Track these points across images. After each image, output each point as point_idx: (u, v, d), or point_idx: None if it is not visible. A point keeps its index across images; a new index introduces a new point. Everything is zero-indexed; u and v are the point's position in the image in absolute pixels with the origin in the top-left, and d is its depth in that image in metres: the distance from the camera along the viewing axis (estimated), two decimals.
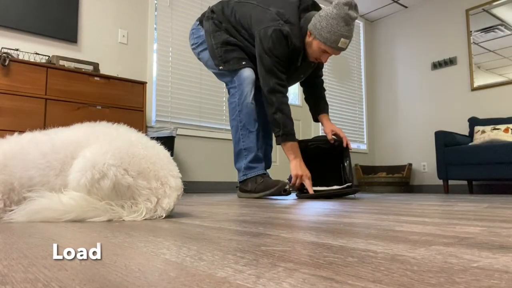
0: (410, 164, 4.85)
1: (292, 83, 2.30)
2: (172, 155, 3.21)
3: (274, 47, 1.97)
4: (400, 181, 4.69)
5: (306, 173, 1.98)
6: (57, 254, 0.40)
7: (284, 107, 1.99)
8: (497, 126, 3.82)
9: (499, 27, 4.34)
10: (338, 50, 2.03)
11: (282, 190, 1.94)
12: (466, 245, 0.46)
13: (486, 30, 4.44)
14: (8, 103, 2.34)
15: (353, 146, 5.20)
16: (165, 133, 3.04)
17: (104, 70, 3.20)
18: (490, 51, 4.40)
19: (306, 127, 4.67)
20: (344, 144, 2.11)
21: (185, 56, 3.67)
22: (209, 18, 2.20)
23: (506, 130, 3.72)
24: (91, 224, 0.72)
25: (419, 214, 0.95)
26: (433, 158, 4.84)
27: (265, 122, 2.25)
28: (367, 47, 5.61)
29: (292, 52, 2.03)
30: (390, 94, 5.36)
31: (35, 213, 0.73)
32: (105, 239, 0.53)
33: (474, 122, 4.15)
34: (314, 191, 1.96)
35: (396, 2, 5.08)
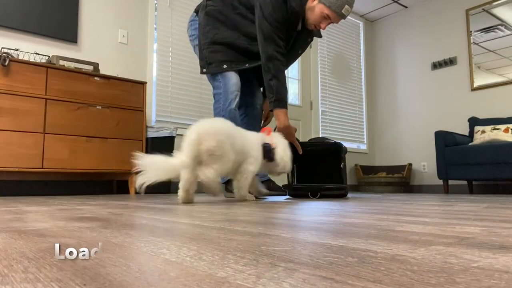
0: (410, 164, 4.85)
1: (291, 60, 2.34)
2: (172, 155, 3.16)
3: (274, 11, 2.01)
4: (400, 181, 4.69)
5: (291, 132, 2.06)
6: (59, 254, 0.40)
7: (280, 74, 2.04)
8: (497, 126, 3.82)
9: (499, 27, 4.34)
10: (341, 16, 2.05)
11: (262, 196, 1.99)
12: (466, 245, 0.46)
13: (486, 30, 4.44)
14: (8, 103, 2.34)
15: (353, 146, 5.22)
16: (165, 133, 3.04)
17: (104, 70, 3.20)
18: (490, 51, 4.40)
19: (306, 127, 4.67)
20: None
21: (185, 56, 3.67)
22: (204, 7, 2.22)
23: (506, 130, 3.72)
24: (91, 224, 0.72)
25: (419, 214, 0.95)
26: (433, 158, 4.84)
27: (254, 123, 2.35)
28: (367, 47, 5.61)
29: (291, 16, 2.06)
30: (390, 94, 5.36)
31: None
32: (105, 239, 0.53)
33: (474, 122, 4.15)
34: (305, 186, 2.03)
35: (396, 2, 5.08)
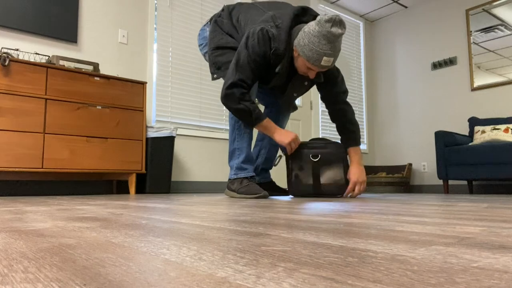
0: (410, 164, 4.86)
1: (286, 104, 2.27)
2: (172, 155, 3.25)
3: (258, 44, 1.96)
4: (400, 181, 4.69)
5: (293, 137, 2.01)
6: (59, 254, 0.40)
7: (245, 97, 1.97)
8: (497, 126, 3.82)
9: (499, 27, 4.34)
10: (322, 68, 1.95)
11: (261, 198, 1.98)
12: (466, 245, 0.46)
13: (486, 30, 4.44)
14: (8, 103, 2.35)
15: None
16: (165, 133, 3.04)
17: (104, 70, 3.20)
18: (490, 51, 4.39)
19: (306, 127, 4.66)
20: (346, 194, 2.08)
21: (185, 56, 3.67)
22: (216, 16, 2.27)
23: (506, 130, 3.72)
24: (91, 224, 0.72)
25: (419, 214, 0.95)
26: (433, 158, 4.84)
27: (276, 123, 2.35)
28: (367, 47, 5.61)
29: (273, 55, 2.00)
30: (390, 94, 5.36)
31: None
32: (105, 239, 0.53)
33: (474, 122, 4.15)
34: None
35: (396, 2, 5.08)
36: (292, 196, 2.21)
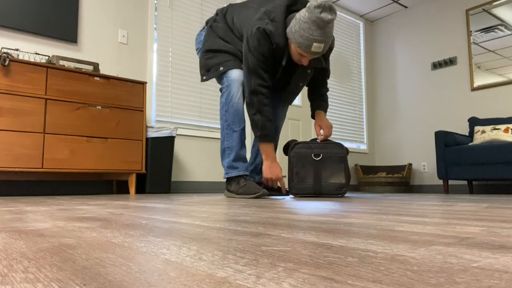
0: (410, 164, 4.86)
1: (292, 94, 2.31)
2: (172, 155, 3.25)
3: (259, 45, 2.00)
4: (400, 181, 4.69)
5: (276, 174, 2.07)
6: (59, 254, 0.40)
7: (264, 108, 2.02)
8: (497, 126, 3.82)
9: (499, 27, 4.34)
10: (313, 54, 1.97)
11: (260, 198, 2.00)
12: (466, 245, 0.46)
13: (486, 30, 4.44)
14: (8, 103, 2.35)
15: (353, 146, 5.22)
16: (165, 133, 3.04)
17: (104, 70, 3.21)
18: (490, 51, 4.40)
19: (306, 127, 4.66)
20: (319, 138, 2.18)
21: (185, 56, 3.67)
22: (211, 21, 2.30)
23: (506, 130, 3.72)
24: (91, 224, 0.72)
25: (419, 214, 0.95)
26: (433, 158, 4.85)
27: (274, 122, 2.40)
28: (367, 47, 5.61)
29: (276, 50, 2.04)
30: (390, 94, 5.36)
31: None
32: (105, 239, 0.53)
33: (474, 122, 4.15)
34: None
35: (396, 2, 5.08)
36: (292, 196, 2.21)
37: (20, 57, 2.74)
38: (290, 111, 4.48)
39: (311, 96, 2.35)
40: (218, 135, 3.80)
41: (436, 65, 4.85)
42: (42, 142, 2.46)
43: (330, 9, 1.87)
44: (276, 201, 1.69)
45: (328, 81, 4.98)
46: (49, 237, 0.55)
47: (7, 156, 2.32)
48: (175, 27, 3.64)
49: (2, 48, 2.54)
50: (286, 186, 3.31)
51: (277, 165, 2.10)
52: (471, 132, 4.13)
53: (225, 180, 2.26)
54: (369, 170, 5.12)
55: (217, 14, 2.29)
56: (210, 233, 0.58)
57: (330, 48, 2.25)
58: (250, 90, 2.03)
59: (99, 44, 3.20)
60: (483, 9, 4.48)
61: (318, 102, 2.31)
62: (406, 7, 5.21)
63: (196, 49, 2.41)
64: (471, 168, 3.63)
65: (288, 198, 1.96)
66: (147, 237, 0.55)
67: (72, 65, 2.68)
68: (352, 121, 5.26)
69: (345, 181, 2.11)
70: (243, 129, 2.17)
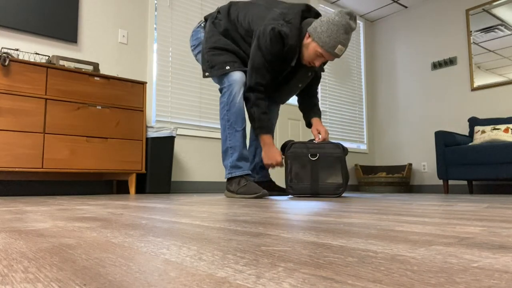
0: (410, 164, 4.86)
1: (291, 93, 2.34)
2: (172, 155, 3.25)
3: (271, 45, 2.03)
4: (400, 181, 4.69)
5: (275, 159, 2.10)
6: (59, 254, 0.40)
7: (259, 102, 2.09)
8: (497, 126, 3.82)
9: (499, 27, 4.34)
10: (334, 56, 2.07)
11: (261, 198, 2.01)
12: (466, 245, 0.46)
13: (486, 30, 4.44)
14: (8, 103, 2.35)
15: (353, 146, 5.22)
16: (165, 133, 3.04)
17: (104, 70, 3.21)
18: (490, 51, 4.40)
19: (306, 127, 4.66)
20: (317, 140, 2.23)
21: (185, 56, 3.67)
22: (212, 18, 2.29)
23: (506, 130, 3.72)
24: (91, 224, 0.72)
25: (419, 214, 0.95)
26: (433, 158, 4.85)
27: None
28: (367, 47, 5.61)
29: (287, 52, 2.08)
30: (390, 94, 5.36)
31: None
32: (105, 239, 0.53)
33: (474, 122, 4.15)
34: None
35: (396, 2, 5.08)
36: (290, 196, 2.22)
37: (20, 57, 2.75)
38: (290, 111, 4.48)
39: (304, 106, 2.40)
40: (218, 135, 3.80)
41: (436, 65, 4.85)
42: (42, 142, 2.46)
43: (355, 20, 2.05)
44: (276, 201, 1.69)
45: (328, 81, 4.98)
46: (49, 237, 0.55)
47: (7, 156, 2.32)
48: (175, 27, 3.64)
49: (2, 48, 2.54)
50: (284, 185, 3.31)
51: (275, 150, 2.11)
52: (471, 132, 4.13)
53: (225, 180, 2.26)
54: (369, 170, 5.12)
55: (219, 11, 2.29)
56: (210, 233, 0.58)
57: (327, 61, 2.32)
58: (249, 86, 2.09)
59: (99, 44, 3.20)
60: (483, 9, 4.48)
61: (313, 111, 2.38)
62: (406, 7, 5.21)
63: (192, 46, 2.38)
64: (471, 168, 3.63)
65: (287, 198, 1.96)
66: (147, 237, 0.55)
67: (72, 65, 2.68)
68: (352, 121, 5.26)
69: (342, 181, 2.11)
70: (245, 129, 2.18)
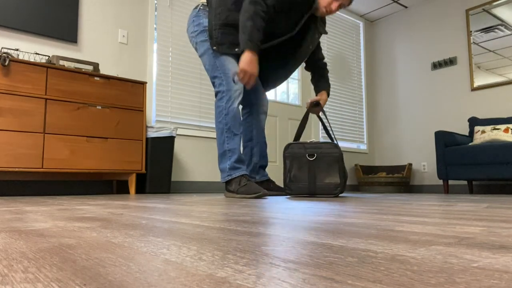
0: (410, 164, 4.86)
1: (303, 56, 2.38)
2: (172, 155, 3.25)
3: None
4: (400, 181, 4.69)
5: (253, 69, 2.04)
6: (59, 254, 0.40)
7: (256, 18, 2.02)
8: (497, 126, 3.82)
9: (499, 27, 4.34)
10: None
11: (261, 198, 2.00)
12: (466, 245, 0.46)
13: (486, 30, 4.44)
14: (8, 103, 2.35)
15: (353, 146, 5.22)
16: (165, 133, 3.04)
17: (104, 70, 3.21)
18: (490, 51, 4.40)
19: (306, 127, 4.67)
20: (309, 100, 2.34)
21: (185, 56, 3.67)
22: None
23: (506, 130, 3.72)
24: (91, 224, 0.72)
25: (419, 214, 0.95)
26: (433, 158, 4.85)
27: (258, 122, 2.43)
28: (367, 47, 5.61)
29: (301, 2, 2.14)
30: (390, 94, 5.36)
31: None
32: (105, 239, 0.53)
33: (474, 122, 4.15)
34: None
35: (396, 2, 5.08)
36: (288, 196, 2.22)
37: (20, 57, 2.75)
38: (290, 111, 4.48)
39: (314, 79, 2.51)
40: None
41: (436, 65, 4.85)
42: (42, 142, 2.46)
43: None
44: (276, 201, 1.69)
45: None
46: (49, 237, 0.55)
47: (7, 156, 2.32)
48: (175, 27, 3.64)
49: (2, 48, 2.54)
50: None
51: (256, 63, 2.05)
52: (471, 132, 4.13)
53: (222, 182, 2.25)
54: (369, 170, 5.12)
55: None
56: (210, 233, 0.58)
57: (324, 22, 2.39)
58: (250, 0, 2.04)
59: (99, 44, 3.20)
60: (483, 9, 4.48)
61: (322, 84, 2.47)
62: (406, 7, 5.21)
63: (193, 32, 2.31)
64: (471, 168, 3.62)
65: (285, 198, 1.96)
66: (147, 237, 0.55)
67: (72, 65, 2.68)
68: (352, 121, 5.26)
69: (340, 180, 2.11)
70: (242, 134, 2.23)
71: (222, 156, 2.16)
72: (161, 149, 3.04)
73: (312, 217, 0.85)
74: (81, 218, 0.85)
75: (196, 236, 0.56)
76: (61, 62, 2.64)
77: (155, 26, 3.52)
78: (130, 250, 0.44)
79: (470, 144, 3.84)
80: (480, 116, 4.43)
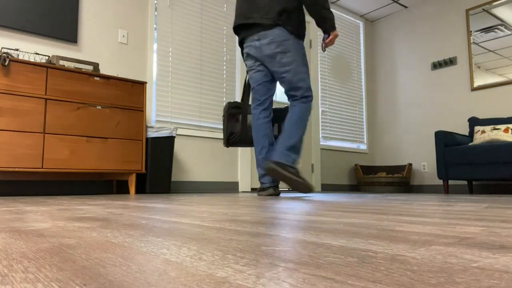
0: (410, 164, 4.86)
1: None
2: (172, 155, 3.27)
3: None
4: (400, 181, 4.69)
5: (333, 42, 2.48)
6: (59, 254, 0.40)
7: (331, 12, 2.42)
8: (497, 126, 3.82)
9: (499, 27, 4.34)
10: None
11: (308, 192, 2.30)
12: (466, 245, 0.46)
13: (486, 30, 4.44)
14: (8, 103, 2.35)
15: (353, 146, 5.22)
16: (165, 133, 3.04)
17: (104, 70, 3.21)
18: (490, 51, 4.39)
19: (306, 128, 4.66)
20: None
21: (185, 56, 3.67)
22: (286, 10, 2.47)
23: (506, 130, 3.72)
24: (91, 224, 0.72)
25: (419, 214, 0.95)
26: (433, 158, 4.85)
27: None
28: (367, 47, 5.61)
29: None
30: (390, 94, 5.36)
31: None
32: (105, 239, 0.53)
33: (474, 122, 4.15)
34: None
35: (396, 2, 5.08)
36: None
37: (20, 57, 2.75)
38: None
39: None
40: (218, 135, 3.80)
41: (436, 65, 4.85)
42: (42, 142, 2.46)
43: None
44: (276, 201, 1.69)
45: (328, 80, 4.98)
46: (49, 237, 0.55)
47: (7, 156, 2.32)
48: (175, 27, 3.64)
49: (2, 48, 2.54)
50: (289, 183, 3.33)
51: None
52: (471, 132, 4.13)
53: (277, 161, 2.32)
54: (369, 170, 5.12)
55: (281, 13, 2.42)
56: (210, 233, 0.58)
57: None
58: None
59: (99, 44, 3.20)
60: (483, 9, 4.48)
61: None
62: (406, 7, 5.21)
63: (279, 53, 2.43)
64: (471, 168, 3.62)
65: (285, 198, 1.96)
66: (147, 237, 0.55)
67: (72, 65, 2.68)
68: (352, 121, 5.26)
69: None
70: None
71: (295, 147, 2.34)
72: (161, 149, 3.04)
73: (312, 217, 0.85)
74: (81, 218, 0.85)
75: (196, 236, 0.56)
76: (61, 62, 2.64)
77: (155, 26, 3.52)
78: (130, 250, 0.44)
79: (470, 144, 3.84)
80: (480, 116, 4.43)
